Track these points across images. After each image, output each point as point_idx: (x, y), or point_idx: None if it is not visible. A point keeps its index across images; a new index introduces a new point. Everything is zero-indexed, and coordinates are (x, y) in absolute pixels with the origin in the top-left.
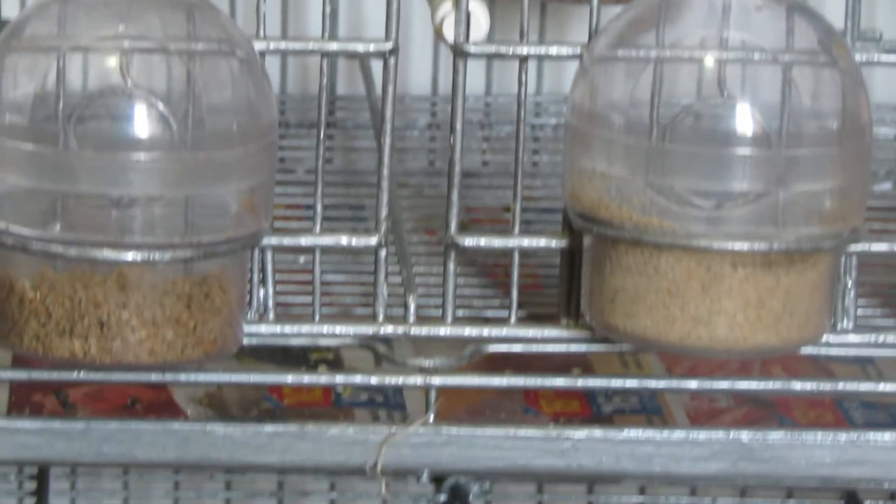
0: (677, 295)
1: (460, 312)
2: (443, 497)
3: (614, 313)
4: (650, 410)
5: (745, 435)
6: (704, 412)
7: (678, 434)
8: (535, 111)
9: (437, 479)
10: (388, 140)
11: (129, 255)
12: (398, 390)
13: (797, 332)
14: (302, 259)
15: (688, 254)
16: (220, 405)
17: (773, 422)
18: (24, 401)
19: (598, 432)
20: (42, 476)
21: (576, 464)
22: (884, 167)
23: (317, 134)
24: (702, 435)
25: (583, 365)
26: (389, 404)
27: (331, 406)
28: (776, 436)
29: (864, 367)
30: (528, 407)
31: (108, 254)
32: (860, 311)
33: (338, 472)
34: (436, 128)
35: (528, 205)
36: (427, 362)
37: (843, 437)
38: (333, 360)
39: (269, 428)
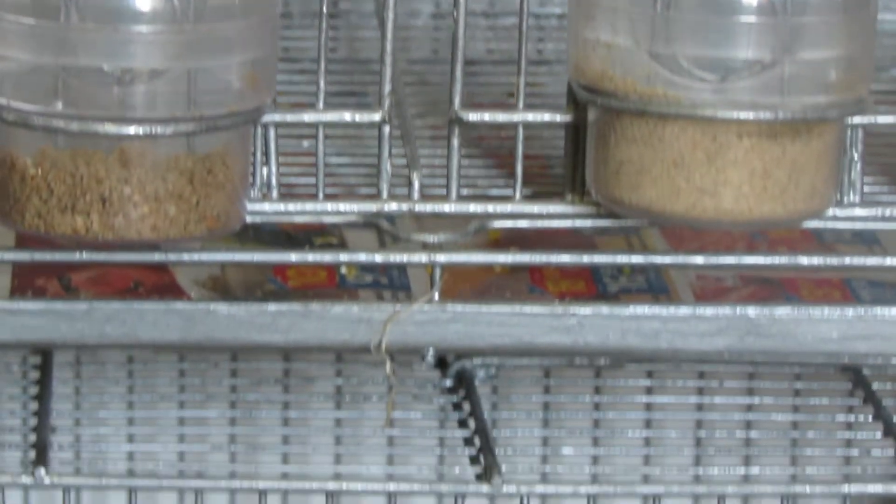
0: (682, 166)
1: (465, 192)
2: (448, 382)
3: (619, 185)
4: (656, 289)
5: (751, 310)
6: (711, 291)
7: (684, 310)
8: (539, 1)
9: (443, 364)
10: (390, 14)
11: (132, 129)
12: (402, 271)
13: (803, 203)
14: (306, 143)
15: (693, 124)
16: (223, 288)
17: (780, 300)
18: (27, 285)
19: (604, 309)
20: (45, 366)
21: (582, 340)
22: (889, 53)
23: (319, 8)
24: (708, 311)
25: (588, 248)
26: (394, 285)
27: (335, 288)
28: (783, 311)
29: (871, 246)
30: (533, 286)
31: (109, 128)
32: (867, 189)
33: (342, 351)
34: (440, 17)
35: (533, 90)
36: (431, 238)
37: (850, 312)
38: (338, 245)
39: (272, 307)
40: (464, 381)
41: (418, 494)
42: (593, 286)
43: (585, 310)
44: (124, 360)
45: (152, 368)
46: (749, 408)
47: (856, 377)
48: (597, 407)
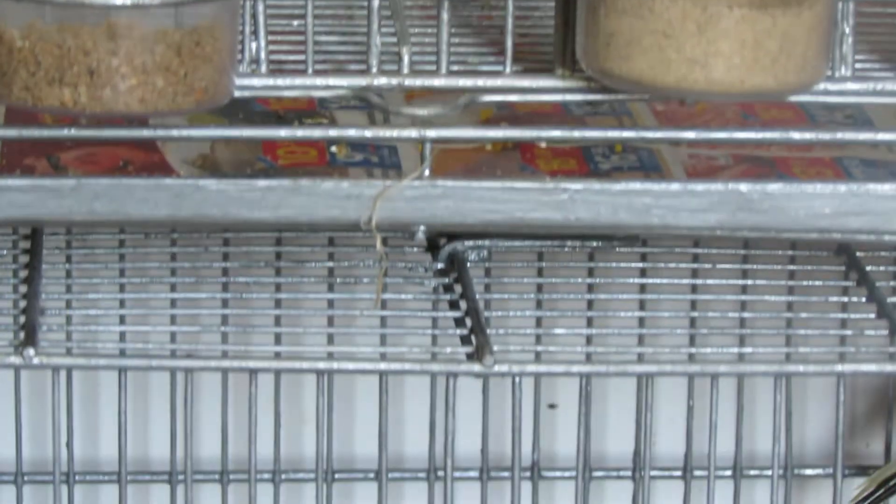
0: (673, 37)
1: (455, 69)
2: (439, 265)
3: (609, 57)
4: (648, 168)
5: (743, 186)
6: (703, 170)
7: (676, 186)
8: None
9: (433, 247)
10: None
11: (118, 0)
12: (393, 151)
13: (794, 76)
14: (296, 23)
15: None
16: (213, 167)
17: (773, 178)
18: (16, 164)
19: (595, 184)
20: (35, 250)
21: (573, 216)
22: None
23: None
24: (700, 186)
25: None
26: (384, 164)
27: (325, 166)
28: (775, 187)
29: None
30: (525, 165)
31: None
32: (858, 66)
33: (332, 228)
34: None
35: None
36: (421, 111)
37: (842, 187)
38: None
39: (262, 183)
40: (455, 264)
41: (410, 374)
42: (585, 165)
43: (577, 185)
44: (115, 245)
45: (142, 253)
46: (743, 290)
47: (849, 260)
48: (590, 289)
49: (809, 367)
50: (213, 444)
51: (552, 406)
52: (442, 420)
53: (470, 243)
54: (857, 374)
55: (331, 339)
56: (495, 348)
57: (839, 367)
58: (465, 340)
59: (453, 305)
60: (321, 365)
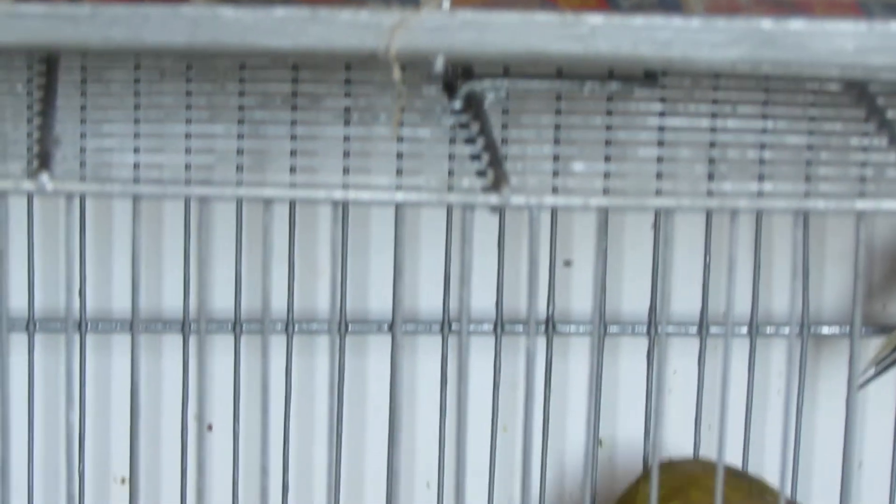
0: None
1: None
2: (457, 104)
3: None
4: (670, 6)
5: (765, 23)
6: (724, 9)
7: (697, 21)
8: None
9: (451, 88)
10: None
11: None
12: None
13: None
14: None
15: None
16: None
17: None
18: None
19: (616, 19)
20: (49, 85)
21: (593, 49)
22: None
23: None
24: (721, 23)
25: None
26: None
27: (344, 2)
28: (798, 24)
29: None
30: (545, 2)
31: None
32: None
33: (350, 59)
34: None
35: None
36: None
37: (864, 26)
38: None
39: (280, 12)
40: (472, 104)
41: (426, 206)
42: (605, 4)
43: (597, 19)
44: (129, 81)
45: (158, 89)
46: (763, 131)
47: (870, 106)
48: (608, 128)
49: (830, 204)
50: (227, 295)
51: (567, 263)
52: (456, 273)
53: (487, 83)
54: (878, 213)
55: (346, 172)
56: (513, 182)
57: (859, 205)
58: (481, 174)
59: (470, 142)
60: (337, 194)
